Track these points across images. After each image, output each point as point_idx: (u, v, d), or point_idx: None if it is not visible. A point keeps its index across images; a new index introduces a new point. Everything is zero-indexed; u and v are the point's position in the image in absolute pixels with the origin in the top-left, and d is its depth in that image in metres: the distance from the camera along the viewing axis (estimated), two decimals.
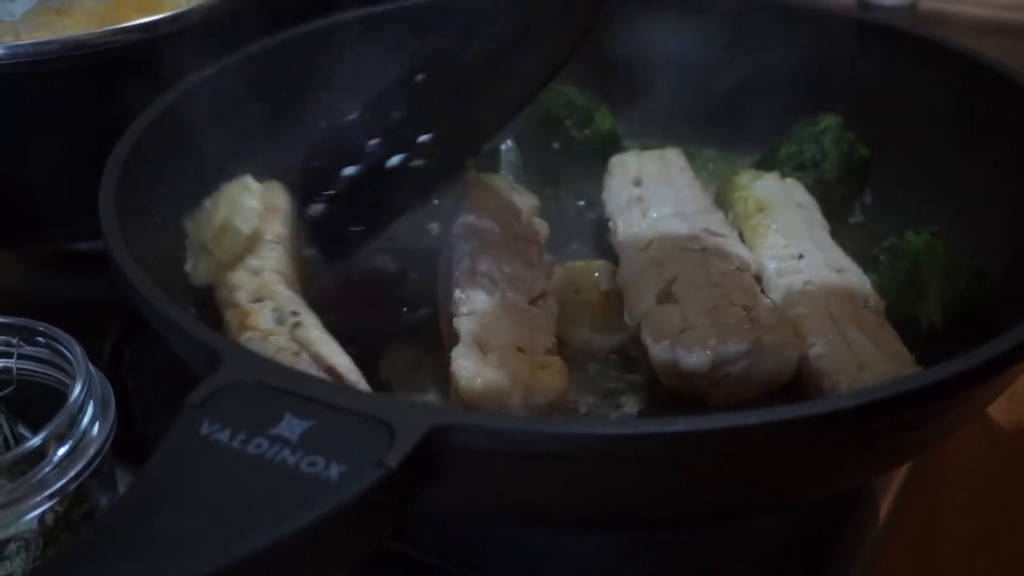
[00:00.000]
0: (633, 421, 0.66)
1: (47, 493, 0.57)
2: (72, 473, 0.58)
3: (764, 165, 0.88)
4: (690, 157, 0.89)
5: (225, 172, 0.80)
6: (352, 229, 0.75)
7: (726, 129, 0.94)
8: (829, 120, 0.87)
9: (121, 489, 0.64)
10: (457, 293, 0.70)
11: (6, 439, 0.65)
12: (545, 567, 0.67)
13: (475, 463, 0.49)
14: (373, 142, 0.73)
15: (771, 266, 0.75)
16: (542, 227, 0.81)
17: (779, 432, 0.48)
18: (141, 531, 0.42)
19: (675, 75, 0.94)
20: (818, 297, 0.70)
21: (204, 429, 0.46)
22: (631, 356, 0.73)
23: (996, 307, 0.71)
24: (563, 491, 0.52)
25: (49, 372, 0.65)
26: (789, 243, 0.76)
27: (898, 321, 0.70)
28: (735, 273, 0.73)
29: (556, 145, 0.92)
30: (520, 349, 0.66)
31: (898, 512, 0.71)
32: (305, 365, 0.64)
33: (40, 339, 0.65)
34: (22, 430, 0.66)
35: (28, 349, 0.66)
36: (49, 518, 0.58)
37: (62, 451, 0.58)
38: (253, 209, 0.76)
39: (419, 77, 0.75)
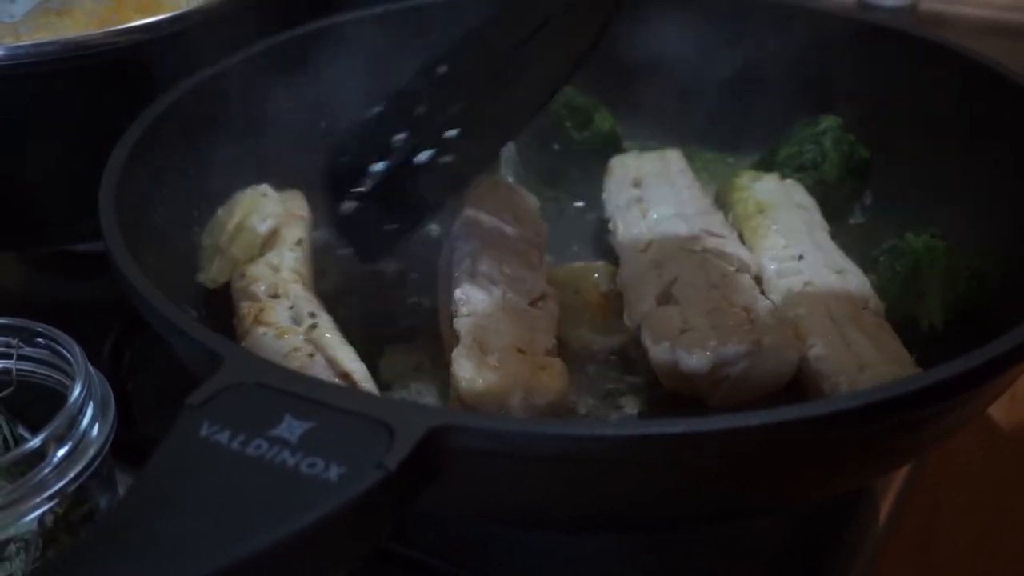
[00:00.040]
0: (633, 423, 0.66)
1: (47, 494, 0.57)
2: (72, 474, 0.58)
3: (764, 166, 0.88)
4: (690, 158, 0.89)
5: (225, 173, 0.80)
6: (386, 227, 0.75)
7: (726, 130, 0.94)
8: (829, 121, 0.86)
9: (121, 490, 0.64)
10: (457, 294, 0.70)
11: (5, 440, 0.65)
12: (545, 568, 0.67)
13: (475, 464, 0.49)
14: (400, 136, 0.73)
15: (771, 267, 0.75)
16: (542, 228, 0.81)
17: (779, 433, 0.48)
18: (141, 532, 0.43)
19: (675, 76, 0.94)
20: (818, 298, 0.70)
21: (204, 430, 0.46)
22: (631, 357, 0.73)
23: (996, 308, 0.71)
24: (563, 492, 0.52)
25: (49, 373, 0.65)
26: (789, 244, 0.76)
27: (898, 322, 0.70)
28: (735, 274, 0.73)
29: (556, 146, 0.92)
30: (520, 350, 0.66)
31: (898, 513, 0.71)
32: (319, 368, 0.64)
33: (40, 340, 0.65)
34: (22, 431, 0.66)
35: (28, 350, 0.65)
36: (49, 519, 0.58)
37: (62, 452, 0.58)
38: (271, 212, 0.76)
39: (441, 69, 0.74)
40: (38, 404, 0.64)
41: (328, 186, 0.76)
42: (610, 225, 0.82)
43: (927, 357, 0.65)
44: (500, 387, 0.62)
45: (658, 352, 0.67)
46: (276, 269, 0.74)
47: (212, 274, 0.74)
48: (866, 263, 0.76)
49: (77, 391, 0.60)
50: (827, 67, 0.89)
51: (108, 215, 0.65)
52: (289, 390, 0.48)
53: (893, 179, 0.86)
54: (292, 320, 0.69)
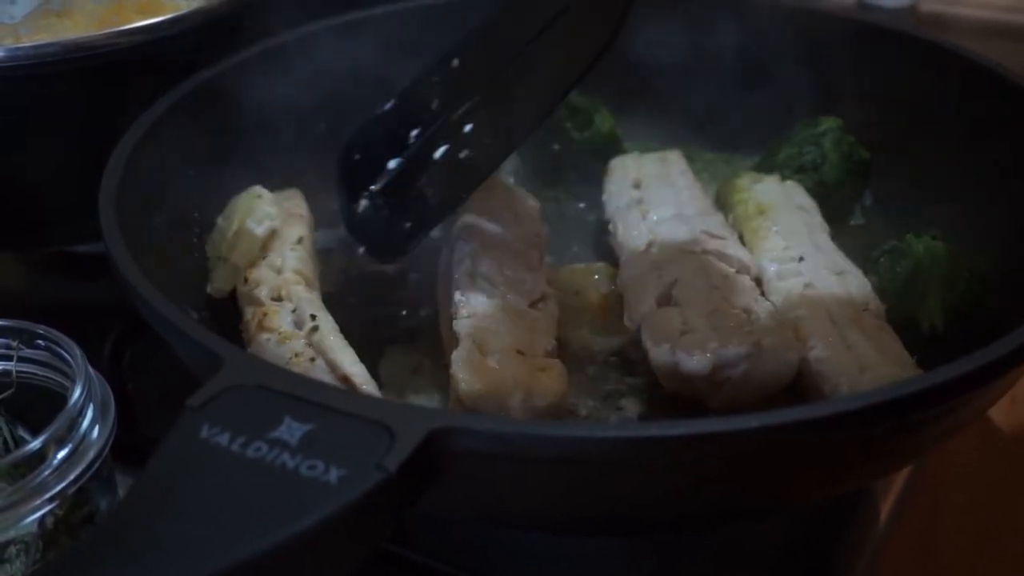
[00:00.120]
0: (633, 424, 0.66)
1: (47, 496, 0.57)
2: (72, 476, 0.58)
3: (764, 167, 0.88)
4: (690, 159, 0.89)
5: (225, 173, 0.80)
6: (402, 225, 0.74)
7: (726, 131, 0.94)
8: (829, 122, 0.86)
9: (121, 492, 0.64)
10: (457, 295, 0.70)
11: (6, 442, 0.65)
12: (545, 570, 0.67)
13: (475, 466, 0.49)
14: (414, 132, 0.72)
15: (771, 269, 0.75)
16: (542, 229, 0.81)
17: (780, 435, 0.48)
18: (141, 534, 0.42)
19: (675, 77, 0.94)
20: (818, 300, 0.70)
21: (204, 432, 0.46)
22: (631, 359, 0.73)
23: (997, 309, 0.71)
24: (563, 494, 0.52)
25: (49, 375, 0.65)
26: (789, 245, 0.76)
27: (899, 324, 0.70)
28: (735, 276, 0.73)
29: (556, 147, 0.92)
30: (520, 352, 0.66)
31: (899, 514, 0.71)
32: (320, 372, 0.64)
33: (40, 342, 0.65)
34: (22, 433, 0.66)
35: (28, 352, 0.65)
36: (49, 521, 0.58)
37: (62, 454, 0.58)
38: (267, 213, 0.76)
39: (455, 62, 0.73)
40: (38, 406, 0.64)
41: (341, 184, 0.75)
42: (610, 226, 0.82)
43: (928, 359, 0.65)
44: (500, 389, 0.62)
45: (658, 354, 0.67)
46: (278, 271, 0.74)
47: (218, 283, 0.75)
48: (866, 264, 0.75)
49: (77, 393, 0.60)
50: (827, 68, 0.89)
51: (108, 216, 0.65)
52: (289, 392, 0.48)
53: (893, 180, 0.86)
54: (294, 324, 0.69)
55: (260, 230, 0.75)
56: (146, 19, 0.78)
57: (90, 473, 0.59)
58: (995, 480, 0.76)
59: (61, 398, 0.62)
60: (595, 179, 0.88)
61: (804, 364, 0.66)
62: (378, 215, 0.73)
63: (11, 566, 0.58)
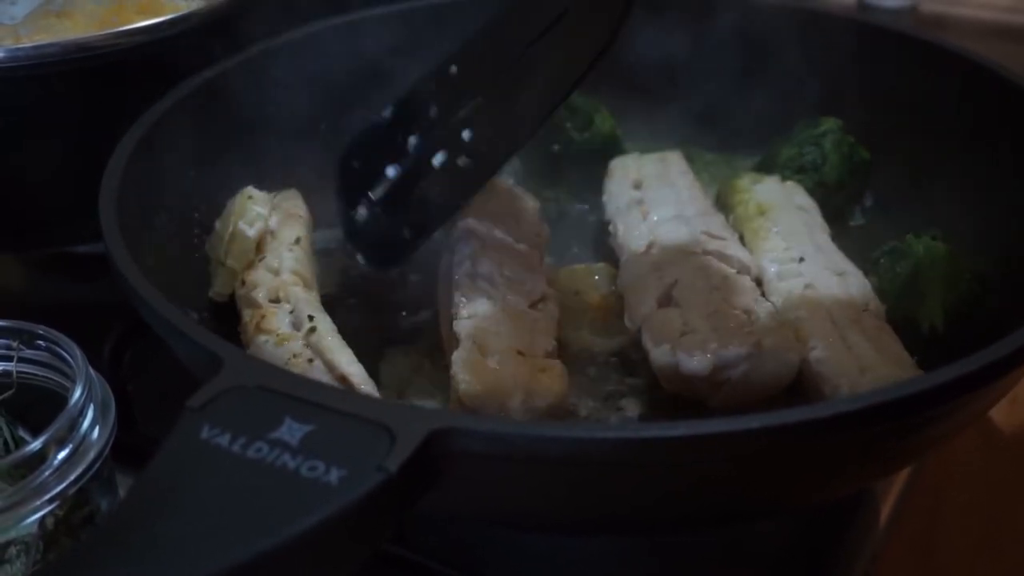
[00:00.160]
0: (634, 425, 0.66)
1: (47, 497, 0.57)
2: (72, 477, 0.58)
3: (764, 168, 0.88)
4: (690, 160, 0.89)
5: (225, 174, 0.80)
6: (401, 233, 0.74)
7: (727, 131, 0.94)
8: (830, 123, 0.86)
9: (121, 493, 0.64)
10: (457, 296, 0.70)
11: (6, 443, 0.65)
12: (545, 571, 0.67)
13: (475, 467, 0.49)
14: (412, 139, 0.72)
15: (771, 269, 0.75)
16: (542, 230, 0.81)
17: (780, 436, 0.48)
18: (141, 535, 0.42)
19: (676, 77, 0.94)
20: (819, 301, 0.70)
21: (204, 433, 0.46)
22: (631, 359, 0.73)
23: (997, 309, 0.71)
24: (564, 495, 0.52)
25: (49, 375, 0.65)
26: (790, 246, 0.76)
27: (899, 324, 0.70)
28: (736, 276, 0.73)
29: (556, 147, 0.91)
30: (520, 352, 0.66)
31: (899, 515, 0.71)
32: (318, 373, 0.64)
33: (40, 342, 0.65)
34: (22, 434, 0.66)
35: (28, 352, 0.65)
36: (49, 522, 0.58)
37: (62, 455, 0.58)
38: (258, 214, 0.76)
39: (453, 69, 0.72)
40: (39, 406, 0.64)
41: (339, 192, 0.75)
42: (610, 227, 0.82)
43: (928, 359, 0.65)
44: (500, 389, 0.62)
45: (659, 354, 0.67)
46: (276, 272, 0.74)
47: (218, 287, 0.75)
48: (867, 265, 0.75)
49: (78, 393, 0.60)
50: (828, 68, 0.89)
51: (108, 216, 0.65)
52: (290, 393, 0.48)
53: (893, 180, 0.86)
54: (292, 325, 0.69)
55: (251, 232, 0.75)
56: (146, 20, 0.79)
57: (90, 474, 0.59)
58: (995, 481, 0.76)
59: (61, 398, 0.62)
60: (595, 179, 0.88)
61: (804, 365, 0.66)
62: (376, 223, 0.73)
63: (11, 567, 0.58)
